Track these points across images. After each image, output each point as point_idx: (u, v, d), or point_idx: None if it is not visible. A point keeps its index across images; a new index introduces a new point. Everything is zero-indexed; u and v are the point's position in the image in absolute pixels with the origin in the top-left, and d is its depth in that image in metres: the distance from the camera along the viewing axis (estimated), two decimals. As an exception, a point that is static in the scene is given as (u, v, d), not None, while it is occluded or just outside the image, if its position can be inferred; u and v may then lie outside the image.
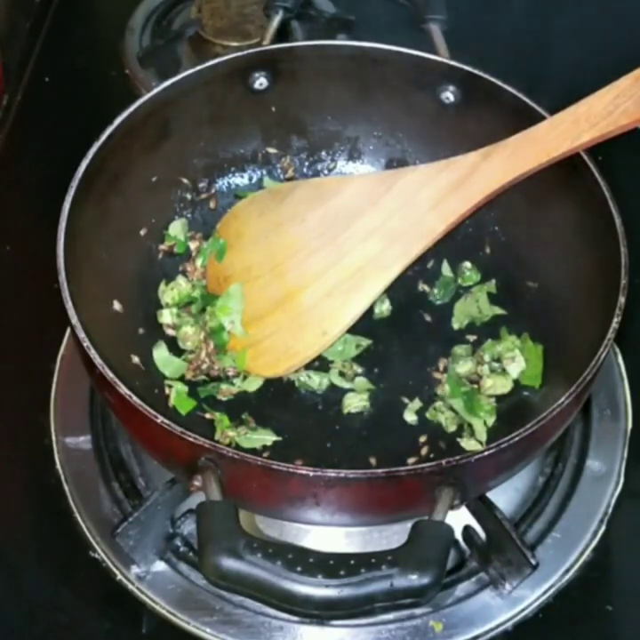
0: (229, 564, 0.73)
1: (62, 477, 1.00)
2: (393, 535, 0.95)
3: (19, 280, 1.15)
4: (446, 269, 1.06)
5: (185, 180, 1.07)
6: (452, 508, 0.78)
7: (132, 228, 1.03)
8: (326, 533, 0.95)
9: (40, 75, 1.35)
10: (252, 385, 0.98)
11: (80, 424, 1.03)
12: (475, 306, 1.03)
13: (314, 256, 0.98)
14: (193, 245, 1.06)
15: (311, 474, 0.77)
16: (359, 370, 1.00)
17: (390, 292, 1.01)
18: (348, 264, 0.97)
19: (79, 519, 0.97)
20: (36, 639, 0.91)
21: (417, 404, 0.98)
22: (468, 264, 1.06)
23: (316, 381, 0.99)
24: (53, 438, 1.02)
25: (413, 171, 0.98)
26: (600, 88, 0.86)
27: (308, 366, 0.99)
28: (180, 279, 1.03)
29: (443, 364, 1.00)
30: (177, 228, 1.06)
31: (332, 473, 0.78)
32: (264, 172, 1.10)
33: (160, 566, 0.94)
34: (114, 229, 0.99)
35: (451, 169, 0.95)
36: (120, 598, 0.93)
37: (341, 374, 1.00)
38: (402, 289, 1.03)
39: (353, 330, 1.00)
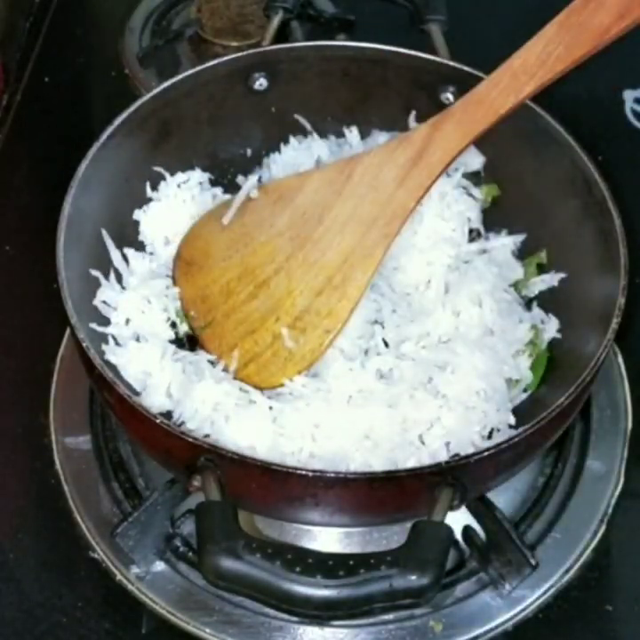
0: (228, 564, 0.73)
1: (62, 477, 1.00)
2: (392, 535, 0.95)
3: (19, 280, 1.15)
4: None
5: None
6: (451, 508, 0.78)
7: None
8: (326, 533, 0.95)
9: (40, 75, 1.35)
10: None
11: (80, 424, 1.03)
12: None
13: (294, 258, 0.97)
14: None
15: (310, 474, 0.77)
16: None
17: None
18: (331, 259, 0.96)
19: (79, 519, 0.97)
20: (36, 639, 0.91)
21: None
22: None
23: None
24: (53, 438, 1.02)
25: (368, 154, 0.98)
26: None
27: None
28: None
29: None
30: None
31: (331, 473, 0.78)
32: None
33: (160, 566, 0.94)
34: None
35: (405, 145, 0.95)
36: (120, 598, 0.93)
37: None
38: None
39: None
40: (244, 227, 1.00)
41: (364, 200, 0.96)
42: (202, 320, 0.99)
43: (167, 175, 1.04)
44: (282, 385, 0.94)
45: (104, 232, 0.98)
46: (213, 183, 1.08)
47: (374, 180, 0.96)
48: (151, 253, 1.03)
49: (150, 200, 1.04)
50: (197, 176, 1.06)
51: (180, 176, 1.05)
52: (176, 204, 1.04)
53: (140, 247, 1.03)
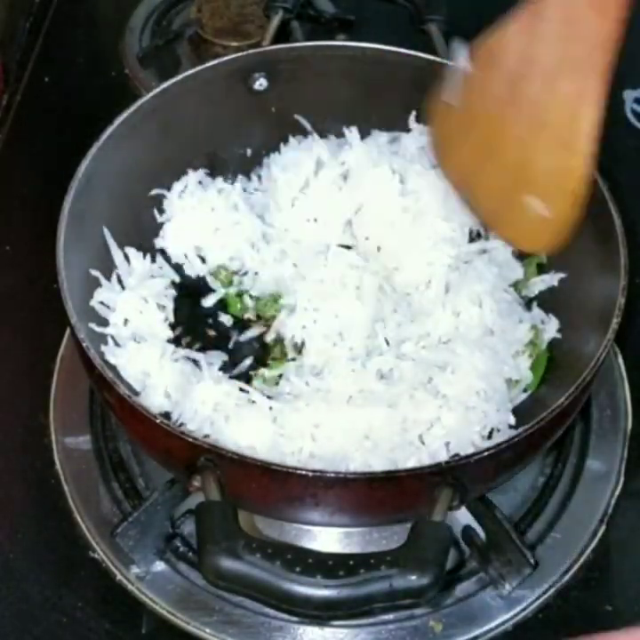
0: (228, 564, 0.74)
1: (62, 477, 1.00)
2: (392, 535, 0.95)
3: (19, 280, 1.15)
4: None
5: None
6: (451, 508, 0.78)
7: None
8: (326, 533, 0.95)
9: (40, 75, 1.35)
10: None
11: (80, 424, 1.03)
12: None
13: (519, 124, 0.88)
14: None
15: (310, 474, 0.77)
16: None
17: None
18: (553, 114, 0.86)
19: (79, 519, 0.97)
20: (36, 639, 0.91)
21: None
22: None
23: None
24: (53, 438, 1.02)
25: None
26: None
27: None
28: None
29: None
30: None
31: (331, 473, 0.78)
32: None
33: (160, 566, 0.94)
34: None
35: None
36: (120, 598, 0.93)
37: None
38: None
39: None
40: (468, 104, 0.94)
41: (565, 38, 0.84)
42: None
43: (165, 192, 1.04)
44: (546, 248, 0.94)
45: (107, 231, 0.98)
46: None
47: (567, 10, 0.83)
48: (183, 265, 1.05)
49: (152, 207, 1.04)
50: (193, 177, 1.06)
51: (177, 186, 1.05)
52: (186, 215, 1.04)
53: (140, 247, 1.03)
